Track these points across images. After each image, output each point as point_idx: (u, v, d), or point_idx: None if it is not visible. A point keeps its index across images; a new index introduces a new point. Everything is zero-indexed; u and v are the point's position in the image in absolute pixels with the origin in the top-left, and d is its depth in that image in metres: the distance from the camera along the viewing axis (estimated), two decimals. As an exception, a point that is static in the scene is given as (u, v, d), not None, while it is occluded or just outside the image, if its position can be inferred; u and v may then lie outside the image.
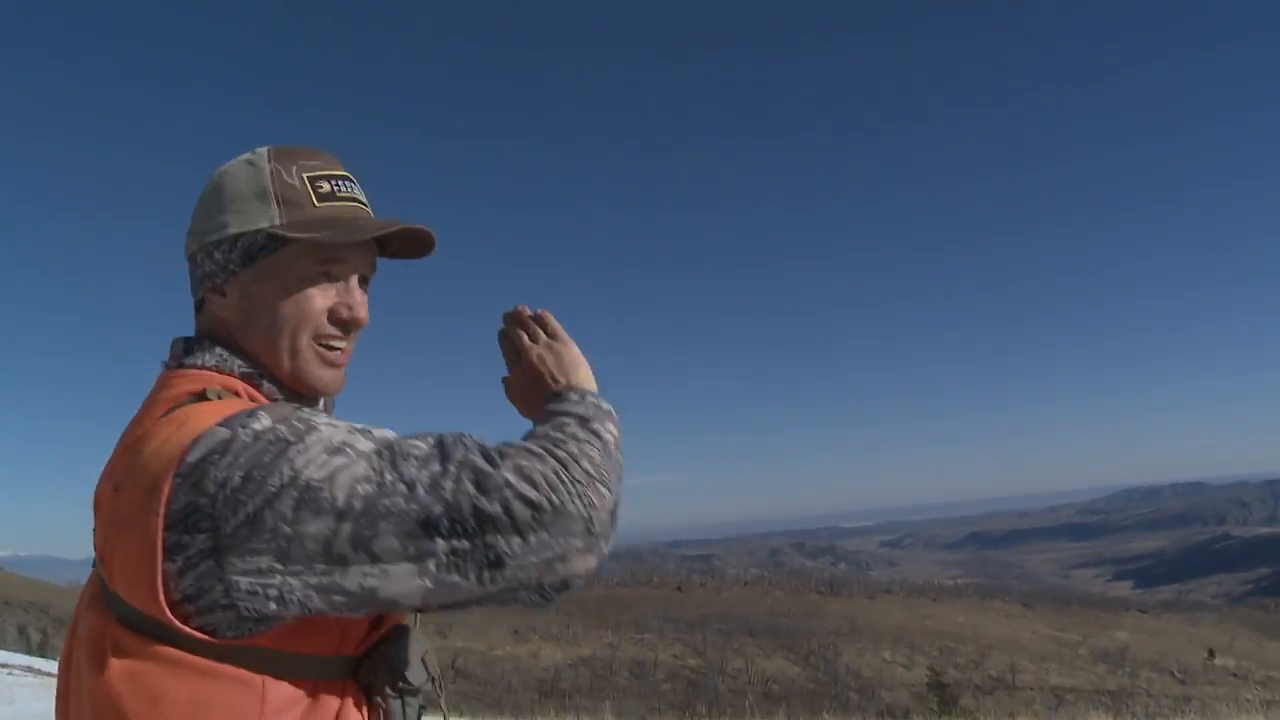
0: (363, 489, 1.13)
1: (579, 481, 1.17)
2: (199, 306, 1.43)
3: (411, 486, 1.14)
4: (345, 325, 1.40)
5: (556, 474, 1.17)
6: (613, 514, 1.20)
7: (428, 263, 1.55)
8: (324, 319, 1.38)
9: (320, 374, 1.40)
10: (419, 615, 1.42)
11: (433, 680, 1.38)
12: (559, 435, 1.24)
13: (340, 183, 1.41)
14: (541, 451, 1.19)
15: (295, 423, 1.20)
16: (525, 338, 1.51)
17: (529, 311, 1.55)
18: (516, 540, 1.13)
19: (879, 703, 77.84)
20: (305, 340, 1.38)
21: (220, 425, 1.19)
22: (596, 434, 1.26)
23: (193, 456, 1.16)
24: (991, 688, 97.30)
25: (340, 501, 1.12)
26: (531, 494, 1.14)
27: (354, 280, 1.42)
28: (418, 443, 1.19)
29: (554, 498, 1.15)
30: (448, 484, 1.14)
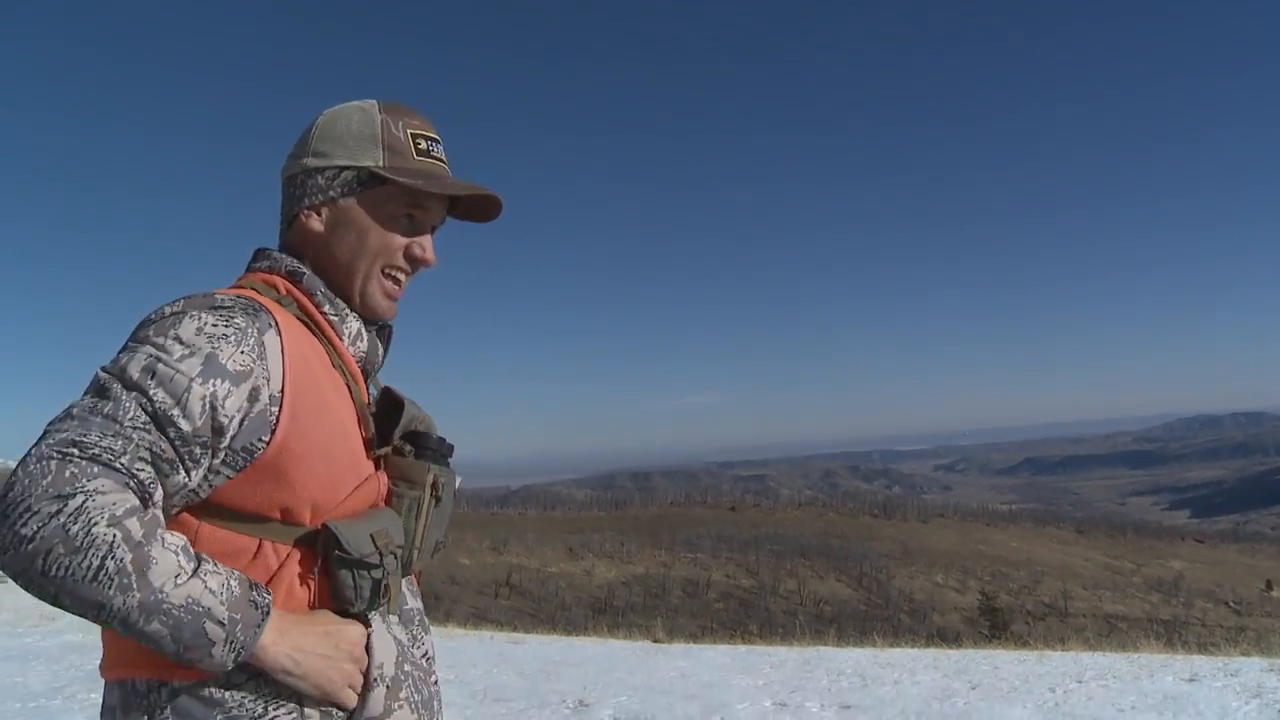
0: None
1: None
2: (289, 223, 1.64)
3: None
4: (415, 263, 1.65)
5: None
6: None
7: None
8: (399, 254, 1.62)
9: (381, 300, 1.63)
10: (405, 497, 1.54)
11: (380, 555, 1.43)
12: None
13: (434, 144, 1.65)
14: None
15: (170, 318, 1.39)
16: None
17: None
18: None
19: (930, 626, 78.32)
20: (378, 268, 1.61)
21: None
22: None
23: None
24: (1044, 613, 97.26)
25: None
26: None
27: (429, 227, 1.68)
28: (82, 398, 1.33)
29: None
30: None
